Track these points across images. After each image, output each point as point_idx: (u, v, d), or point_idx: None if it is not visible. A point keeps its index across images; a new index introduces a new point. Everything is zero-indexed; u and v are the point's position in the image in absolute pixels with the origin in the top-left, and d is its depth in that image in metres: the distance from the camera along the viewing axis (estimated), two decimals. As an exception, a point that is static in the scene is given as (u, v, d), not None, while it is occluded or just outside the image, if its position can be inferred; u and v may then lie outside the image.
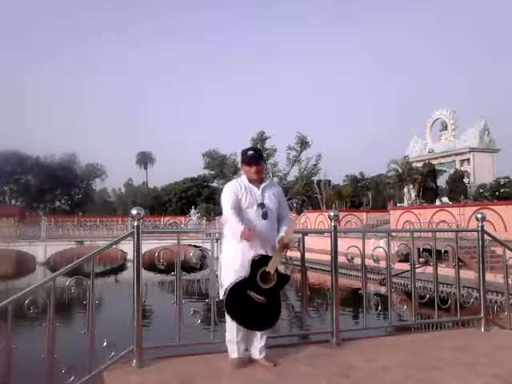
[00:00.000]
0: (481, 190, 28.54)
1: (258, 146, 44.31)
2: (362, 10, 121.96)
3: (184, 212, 51.73)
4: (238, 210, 3.13)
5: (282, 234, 3.13)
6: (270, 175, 46.77)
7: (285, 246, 3.09)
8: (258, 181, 3.25)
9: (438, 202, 30.88)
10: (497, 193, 27.60)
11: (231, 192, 3.18)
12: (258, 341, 3.18)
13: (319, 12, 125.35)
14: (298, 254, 3.85)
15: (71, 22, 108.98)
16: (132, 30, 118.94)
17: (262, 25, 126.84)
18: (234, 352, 3.14)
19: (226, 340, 3.19)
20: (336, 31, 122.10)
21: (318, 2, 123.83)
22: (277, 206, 3.24)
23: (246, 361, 3.14)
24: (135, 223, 3.27)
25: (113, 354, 3.11)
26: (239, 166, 3.28)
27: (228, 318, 3.12)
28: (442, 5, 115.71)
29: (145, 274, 3.36)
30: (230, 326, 3.13)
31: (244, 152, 3.28)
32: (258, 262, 3.01)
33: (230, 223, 3.11)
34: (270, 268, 3.00)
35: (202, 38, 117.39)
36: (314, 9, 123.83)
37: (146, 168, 69.04)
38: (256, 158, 3.25)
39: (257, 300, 3.00)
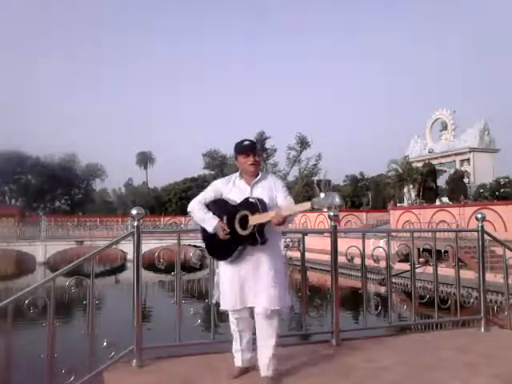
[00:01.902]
0: (481, 190, 28.54)
1: (258, 147, 44.29)
2: (362, 10, 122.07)
3: (184, 212, 51.67)
4: (204, 204, 2.98)
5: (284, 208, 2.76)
6: (270, 175, 46.65)
7: (279, 219, 2.63)
8: (254, 174, 2.97)
9: (438, 202, 30.89)
10: (497, 193, 27.59)
11: (212, 188, 3.05)
12: (265, 354, 2.86)
13: (319, 13, 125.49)
14: (297, 254, 3.85)
15: (71, 21, 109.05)
16: (132, 29, 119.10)
17: (262, 25, 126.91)
18: (238, 361, 3.01)
19: (233, 349, 3.04)
20: (336, 31, 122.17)
21: (318, 4, 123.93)
22: (268, 202, 2.85)
23: (247, 370, 3.00)
24: (135, 223, 3.28)
25: (113, 353, 3.11)
26: (234, 162, 3.10)
27: (231, 325, 2.99)
28: (441, 5, 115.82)
29: (145, 273, 3.36)
30: (235, 334, 3.00)
31: (239, 143, 2.98)
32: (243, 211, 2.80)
33: (195, 213, 2.96)
34: (252, 220, 2.73)
35: (202, 38, 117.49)
36: (314, 10, 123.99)
37: (146, 168, 69.00)
38: (253, 146, 2.98)
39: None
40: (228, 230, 2.82)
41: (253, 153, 2.94)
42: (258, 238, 2.74)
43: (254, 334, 2.96)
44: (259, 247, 2.80)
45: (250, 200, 2.79)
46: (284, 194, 2.96)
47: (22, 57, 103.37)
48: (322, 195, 2.44)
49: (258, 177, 2.97)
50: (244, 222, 2.77)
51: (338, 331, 3.72)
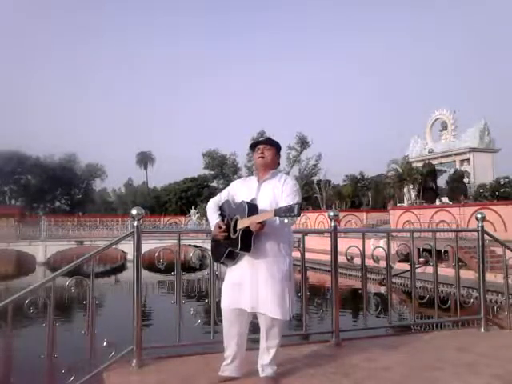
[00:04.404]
0: (481, 190, 28.53)
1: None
2: (362, 10, 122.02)
3: (184, 212, 51.71)
4: (218, 204, 3.00)
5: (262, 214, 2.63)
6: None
7: (254, 227, 2.56)
8: (264, 170, 2.92)
9: (438, 202, 30.86)
10: (497, 193, 27.58)
11: (227, 187, 3.10)
12: (266, 355, 2.84)
13: (319, 13, 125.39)
14: (297, 254, 3.85)
15: (71, 21, 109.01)
16: (132, 29, 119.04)
17: (262, 25, 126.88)
18: (222, 370, 2.89)
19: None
20: (336, 32, 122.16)
21: (319, 3, 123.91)
22: (272, 200, 2.80)
23: (232, 377, 2.88)
24: (135, 223, 3.27)
25: (113, 353, 3.11)
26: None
27: (223, 330, 2.91)
28: (441, 5, 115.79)
29: (145, 274, 3.36)
30: (224, 340, 2.90)
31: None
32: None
33: (207, 211, 2.99)
34: (240, 224, 2.69)
35: (202, 38, 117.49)
36: (314, 10, 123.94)
37: (145, 168, 69.11)
38: (264, 141, 2.95)
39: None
40: (224, 227, 2.79)
41: (262, 145, 2.92)
42: (239, 243, 2.66)
43: (254, 335, 2.97)
44: (257, 251, 2.71)
45: (243, 203, 2.76)
46: (286, 194, 2.80)
47: (23, 56, 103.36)
48: (286, 205, 2.48)
49: (269, 175, 2.90)
50: (236, 226, 2.75)
51: (338, 331, 3.72)
